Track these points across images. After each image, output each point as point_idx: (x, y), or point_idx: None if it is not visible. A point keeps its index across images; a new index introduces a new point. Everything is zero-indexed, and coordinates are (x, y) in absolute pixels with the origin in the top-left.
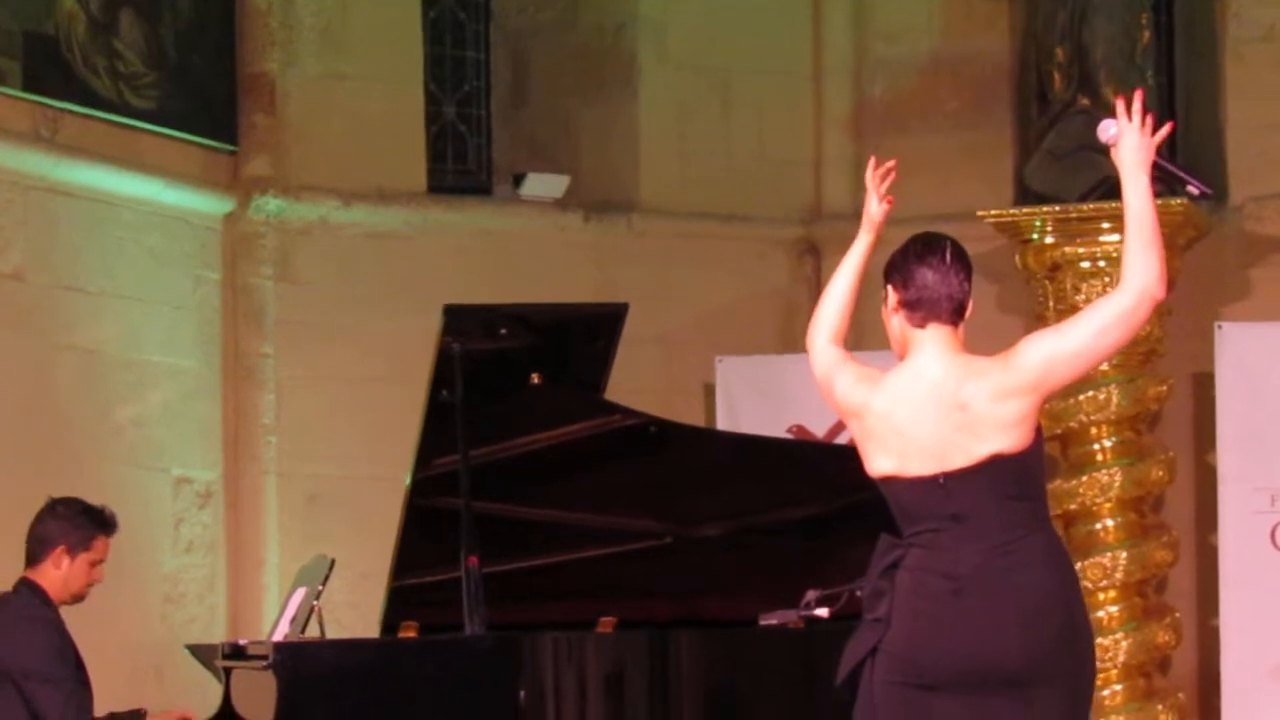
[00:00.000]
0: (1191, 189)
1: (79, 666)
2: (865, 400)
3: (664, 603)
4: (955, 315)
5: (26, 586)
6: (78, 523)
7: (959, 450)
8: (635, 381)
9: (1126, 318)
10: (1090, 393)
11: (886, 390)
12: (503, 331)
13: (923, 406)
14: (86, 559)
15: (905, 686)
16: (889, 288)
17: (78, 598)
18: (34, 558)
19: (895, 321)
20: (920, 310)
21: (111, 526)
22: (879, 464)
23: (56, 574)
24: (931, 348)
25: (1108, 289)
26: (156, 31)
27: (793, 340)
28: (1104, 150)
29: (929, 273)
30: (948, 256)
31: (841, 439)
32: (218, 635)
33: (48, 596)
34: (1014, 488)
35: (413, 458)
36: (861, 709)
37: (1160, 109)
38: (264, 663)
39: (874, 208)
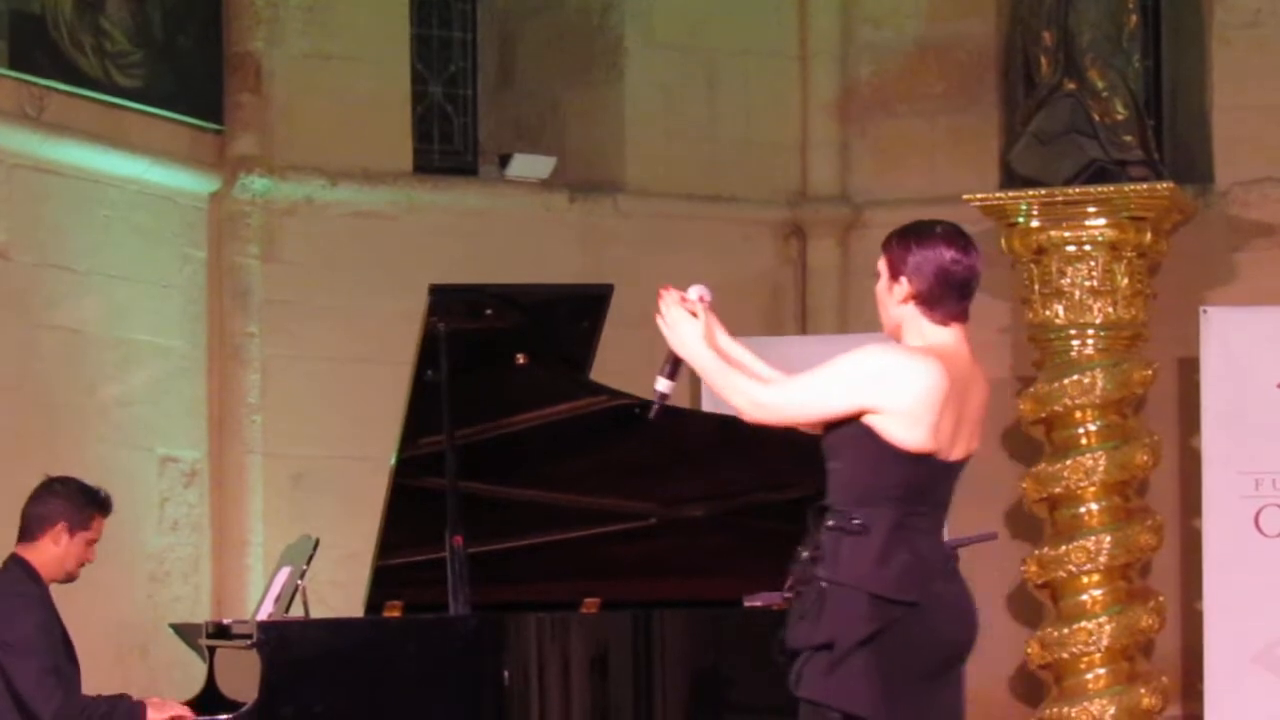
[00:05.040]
0: None
1: (67, 645)
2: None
3: (648, 583)
4: None
5: (16, 563)
6: (78, 502)
7: (973, 440)
8: (620, 362)
9: None
10: (1075, 376)
11: (949, 371)
12: (488, 312)
13: (970, 391)
14: (84, 538)
15: (909, 676)
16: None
17: (70, 577)
18: (29, 534)
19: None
20: (966, 299)
21: (108, 508)
22: (935, 437)
23: (54, 550)
24: (961, 340)
25: (1092, 273)
26: (143, 10)
27: (777, 322)
28: (1090, 134)
29: (978, 259)
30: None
31: None
32: (202, 614)
33: (37, 573)
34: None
35: (398, 437)
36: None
37: (1147, 94)
38: (248, 642)
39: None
